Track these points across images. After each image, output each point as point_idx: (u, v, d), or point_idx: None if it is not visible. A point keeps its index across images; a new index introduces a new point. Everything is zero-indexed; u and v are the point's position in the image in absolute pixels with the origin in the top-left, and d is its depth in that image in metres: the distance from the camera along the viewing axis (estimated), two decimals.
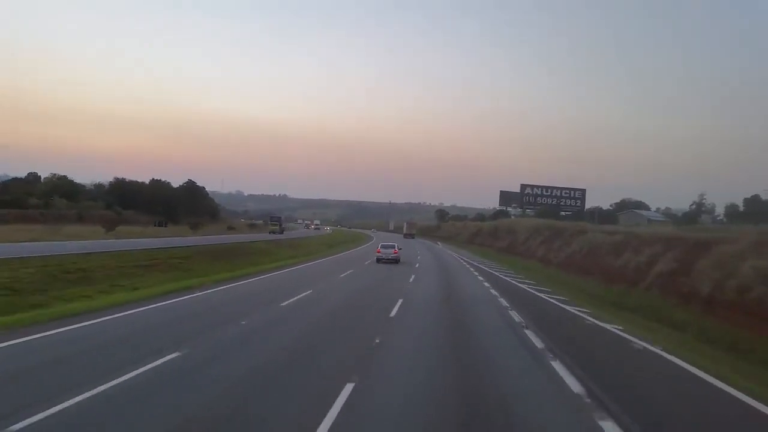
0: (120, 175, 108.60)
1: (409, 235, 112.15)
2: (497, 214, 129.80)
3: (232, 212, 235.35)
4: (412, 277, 29.40)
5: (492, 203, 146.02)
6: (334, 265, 36.58)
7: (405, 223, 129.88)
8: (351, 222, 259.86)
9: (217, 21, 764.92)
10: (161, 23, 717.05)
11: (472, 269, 37.15)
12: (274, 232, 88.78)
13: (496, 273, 33.84)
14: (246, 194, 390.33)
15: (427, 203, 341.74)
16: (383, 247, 43.52)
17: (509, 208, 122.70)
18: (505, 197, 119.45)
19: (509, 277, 31.32)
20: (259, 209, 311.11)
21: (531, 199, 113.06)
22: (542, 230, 42.55)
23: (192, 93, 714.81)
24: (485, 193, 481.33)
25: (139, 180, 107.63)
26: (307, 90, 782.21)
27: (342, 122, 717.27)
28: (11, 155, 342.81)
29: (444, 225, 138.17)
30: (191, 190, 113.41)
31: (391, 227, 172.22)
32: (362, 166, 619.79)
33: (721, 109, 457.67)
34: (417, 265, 38.28)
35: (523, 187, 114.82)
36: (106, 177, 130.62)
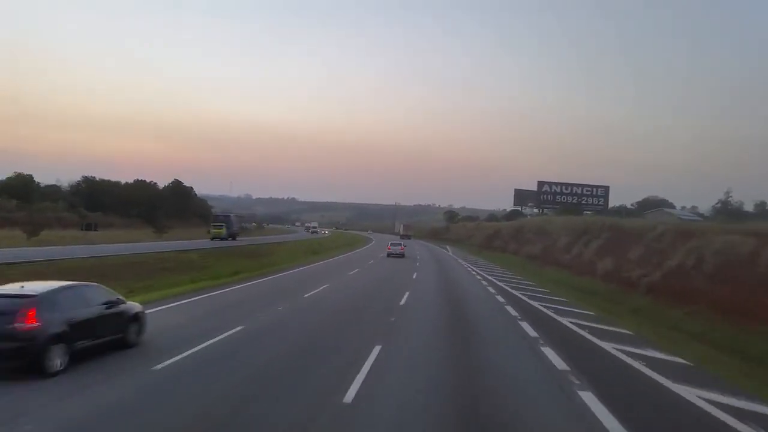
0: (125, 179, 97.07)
1: (405, 236, 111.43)
2: (511, 215, 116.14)
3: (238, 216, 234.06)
4: (377, 353, 11.54)
5: (504, 204, 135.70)
6: (255, 300, 19.51)
7: (401, 225, 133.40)
8: (357, 224, 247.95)
9: (228, 24, 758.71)
10: (173, 26, 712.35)
11: (511, 309, 18.97)
12: (219, 238, 64.04)
13: (562, 319, 16.76)
14: (254, 197, 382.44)
15: (436, 205, 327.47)
16: (392, 244, 53.93)
17: (525, 208, 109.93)
18: (521, 196, 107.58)
19: (604, 336, 13.88)
20: (266, 212, 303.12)
21: (549, 198, 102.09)
22: (595, 231, 28.48)
23: (200, 96, 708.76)
24: (496, 194, 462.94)
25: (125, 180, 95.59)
26: (314, 92, 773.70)
27: (350, 125, 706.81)
28: (13, 159, 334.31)
29: (453, 226, 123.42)
30: (177, 190, 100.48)
31: (397, 230, 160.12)
32: (370, 168, 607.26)
33: (737, 108, 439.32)
34: (404, 300, 20.40)
35: (541, 184, 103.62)
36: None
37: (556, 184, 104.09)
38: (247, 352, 11.36)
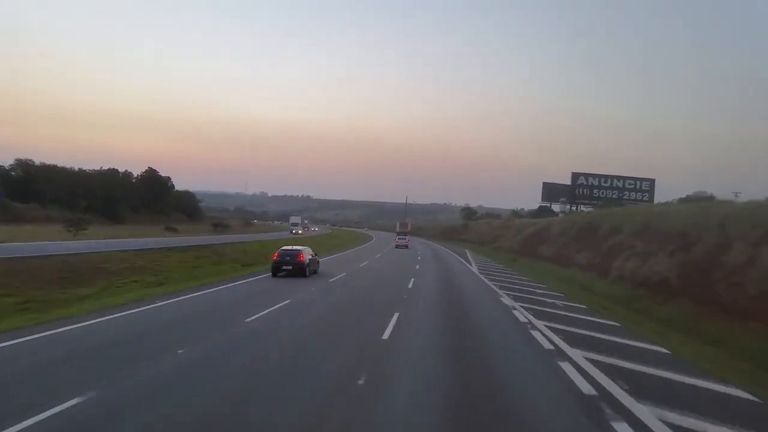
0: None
1: (402, 233, 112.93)
2: (539, 212, 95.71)
3: (251, 213, 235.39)
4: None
5: (523, 203, 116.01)
6: None
7: (398, 223, 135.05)
8: (369, 222, 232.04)
9: (245, 25, 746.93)
10: (186, 30, 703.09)
11: None
12: None
13: None
14: (270, 195, 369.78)
15: (452, 204, 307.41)
16: (399, 239, 69.90)
17: (556, 205, 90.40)
18: (550, 191, 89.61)
19: None
20: (279, 210, 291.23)
21: (585, 192, 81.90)
22: None
23: (216, 95, 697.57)
24: (515, 193, 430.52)
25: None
26: (330, 91, 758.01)
27: (365, 123, 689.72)
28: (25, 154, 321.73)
29: (473, 225, 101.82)
30: (151, 181, 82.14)
31: (409, 228, 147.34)
32: (385, 167, 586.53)
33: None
34: None
35: (575, 176, 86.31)
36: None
37: (594, 176, 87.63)
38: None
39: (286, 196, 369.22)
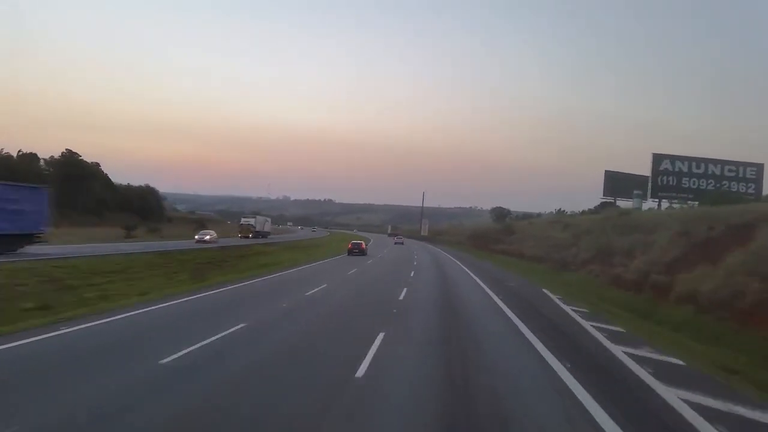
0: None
1: (393, 235, 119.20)
2: (602, 210, 64.41)
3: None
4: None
5: (560, 205, 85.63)
6: None
7: (389, 226, 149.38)
8: (370, 226, 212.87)
9: (266, 30, 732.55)
10: (201, 34, 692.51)
11: None
12: None
13: None
14: (292, 199, 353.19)
15: (479, 207, 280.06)
16: (397, 239, 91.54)
17: (625, 200, 61.89)
18: (616, 181, 60.52)
19: None
20: (298, 214, 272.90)
21: (672, 181, 55.96)
22: None
23: (238, 99, 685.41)
24: (545, 197, 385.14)
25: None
26: (353, 95, 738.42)
27: (388, 127, 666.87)
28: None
29: (520, 226, 66.50)
30: (68, 170, 56.12)
31: (423, 232, 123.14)
32: (408, 171, 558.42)
33: None
34: None
35: (657, 159, 56.80)
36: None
37: (682, 159, 57.37)
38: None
39: (308, 200, 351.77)
